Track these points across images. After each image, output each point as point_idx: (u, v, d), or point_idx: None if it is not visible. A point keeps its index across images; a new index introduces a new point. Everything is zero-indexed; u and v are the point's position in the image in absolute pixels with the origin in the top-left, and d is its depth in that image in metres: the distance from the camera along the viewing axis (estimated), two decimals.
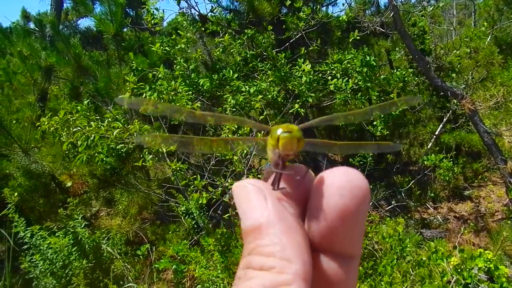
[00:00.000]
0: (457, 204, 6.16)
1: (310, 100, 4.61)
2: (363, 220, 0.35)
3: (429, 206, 5.99)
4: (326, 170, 0.35)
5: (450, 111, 6.04)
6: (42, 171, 3.99)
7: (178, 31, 4.73)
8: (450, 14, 10.65)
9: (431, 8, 5.89)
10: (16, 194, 3.24)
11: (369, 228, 4.11)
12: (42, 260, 3.16)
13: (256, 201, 0.34)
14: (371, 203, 5.28)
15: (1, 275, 2.97)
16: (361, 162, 4.92)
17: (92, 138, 3.48)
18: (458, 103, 5.05)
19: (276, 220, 0.33)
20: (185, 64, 4.55)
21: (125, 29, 7.37)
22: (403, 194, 5.90)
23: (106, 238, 3.66)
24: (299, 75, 4.59)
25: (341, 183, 0.33)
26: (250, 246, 0.33)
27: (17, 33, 5.35)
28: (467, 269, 3.10)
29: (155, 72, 4.34)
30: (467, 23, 10.97)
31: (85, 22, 9.43)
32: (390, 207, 5.54)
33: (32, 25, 7.22)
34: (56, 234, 3.29)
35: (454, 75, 5.90)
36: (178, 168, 3.17)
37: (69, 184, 4.24)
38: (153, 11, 4.61)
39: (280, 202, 0.35)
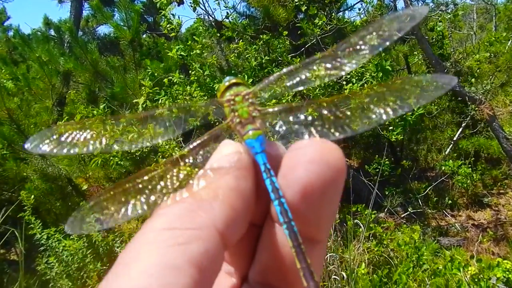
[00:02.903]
0: (476, 211, 6.02)
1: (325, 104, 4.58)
2: (333, 202, 0.32)
3: (446, 214, 5.86)
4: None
5: (469, 117, 5.93)
6: (59, 174, 4.06)
7: (194, 36, 4.77)
8: (470, 19, 10.48)
9: (449, 16, 5.80)
10: (32, 196, 3.30)
11: (384, 235, 4.05)
12: (58, 262, 3.20)
13: (240, 156, 0.33)
14: (387, 209, 5.20)
15: (17, 276, 3.03)
16: (377, 169, 4.85)
17: (107, 141, 3.53)
18: (476, 109, 4.96)
19: (243, 176, 0.31)
20: (200, 70, 4.58)
21: (144, 35, 7.49)
22: (419, 201, 5.79)
23: (120, 241, 3.69)
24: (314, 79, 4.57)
25: (311, 156, 0.30)
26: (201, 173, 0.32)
27: (36, 40, 5.48)
28: (485, 279, 3.03)
29: (170, 78, 4.38)
30: (488, 28, 10.79)
31: (105, 29, 9.61)
32: (406, 214, 5.45)
33: (53, 32, 7.38)
34: (71, 237, 3.34)
35: (473, 80, 5.79)
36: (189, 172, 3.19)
37: (85, 187, 4.30)
38: (170, 17, 4.66)
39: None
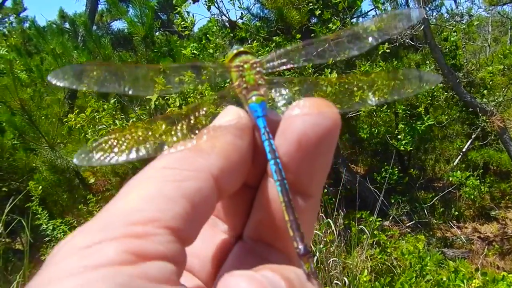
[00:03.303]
0: (482, 224, 5.97)
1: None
2: (327, 155, 0.34)
3: (452, 225, 5.82)
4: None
5: (479, 128, 5.88)
6: (67, 166, 4.10)
7: (207, 35, 4.78)
8: (485, 31, 10.39)
9: (463, 26, 5.75)
10: (40, 187, 3.34)
11: (388, 243, 4.02)
12: None
13: (243, 118, 0.36)
14: (392, 217, 5.17)
15: (21, 265, 3.05)
16: (384, 177, 4.83)
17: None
18: (487, 120, 4.92)
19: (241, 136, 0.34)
20: (212, 69, 4.59)
21: (157, 33, 7.51)
22: (425, 211, 5.75)
23: None
24: (325, 84, 4.57)
25: (308, 109, 0.33)
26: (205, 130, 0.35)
27: (51, 32, 5.53)
28: None
29: (181, 76, 4.39)
30: (502, 41, 10.70)
31: (118, 24, 9.70)
32: (411, 223, 5.41)
33: (67, 25, 7.44)
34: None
35: (485, 91, 5.74)
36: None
37: (92, 180, 4.34)
38: (184, 14, 4.67)
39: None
